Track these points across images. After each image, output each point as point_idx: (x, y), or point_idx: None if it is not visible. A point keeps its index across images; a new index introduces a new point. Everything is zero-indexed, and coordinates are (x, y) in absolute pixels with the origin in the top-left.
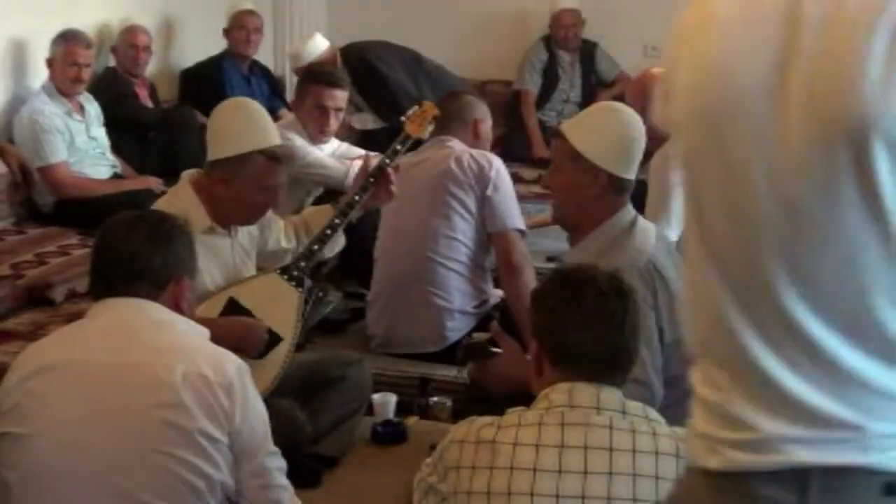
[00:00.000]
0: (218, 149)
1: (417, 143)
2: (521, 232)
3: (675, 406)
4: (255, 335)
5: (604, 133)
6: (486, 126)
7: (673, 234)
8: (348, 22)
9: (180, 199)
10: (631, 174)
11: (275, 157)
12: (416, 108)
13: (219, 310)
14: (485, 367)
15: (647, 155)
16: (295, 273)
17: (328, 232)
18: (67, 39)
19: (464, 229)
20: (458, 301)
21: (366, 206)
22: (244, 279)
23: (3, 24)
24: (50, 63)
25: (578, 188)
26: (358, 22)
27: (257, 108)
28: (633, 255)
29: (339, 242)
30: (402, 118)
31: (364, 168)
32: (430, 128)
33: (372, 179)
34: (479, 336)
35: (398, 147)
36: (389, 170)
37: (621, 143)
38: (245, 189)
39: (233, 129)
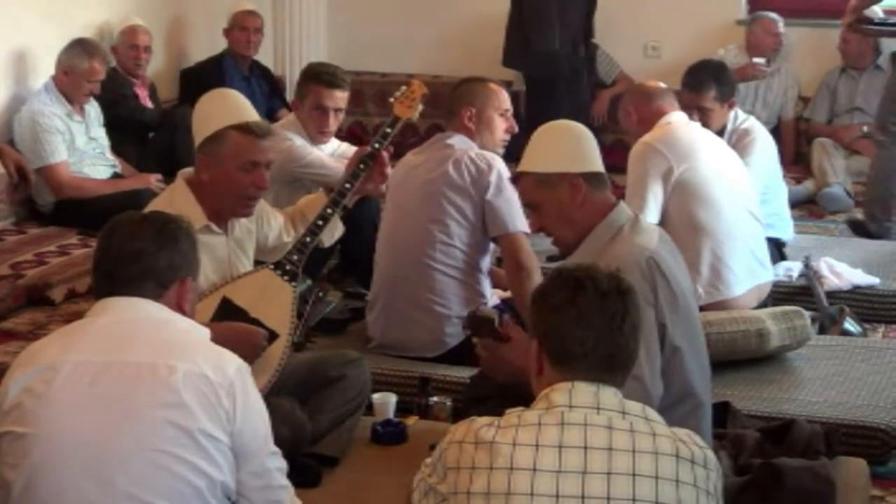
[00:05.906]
0: (198, 137)
1: (409, 125)
2: (525, 234)
3: (683, 422)
4: (252, 343)
5: (550, 145)
6: (486, 117)
7: (651, 218)
8: (349, 22)
9: (175, 199)
10: (598, 165)
11: (248, 130)
12: (403, 88)
13: (213, 310)
14: (496, 350)
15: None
16: (288, 267)
17: (319, 223)
18: (92, 56)
19: (461, 235)
20: (456, 307)
21: (360, 192)
22: (237, 277)
23: (3, 24)
24: (66, 72)
25: (564, 205)
26: (358, 22)
27: (233, 93)
28: (633, 251)
29: (337, 229)
30: (391, 99)
31: (356, 155)
32: (420, 108)
33: (362, 166)
34: (487, 311)
35: (388, 130)
36: (382, 153)
37: (570, 143)
38: (226, 169)
39: (206, 113)
